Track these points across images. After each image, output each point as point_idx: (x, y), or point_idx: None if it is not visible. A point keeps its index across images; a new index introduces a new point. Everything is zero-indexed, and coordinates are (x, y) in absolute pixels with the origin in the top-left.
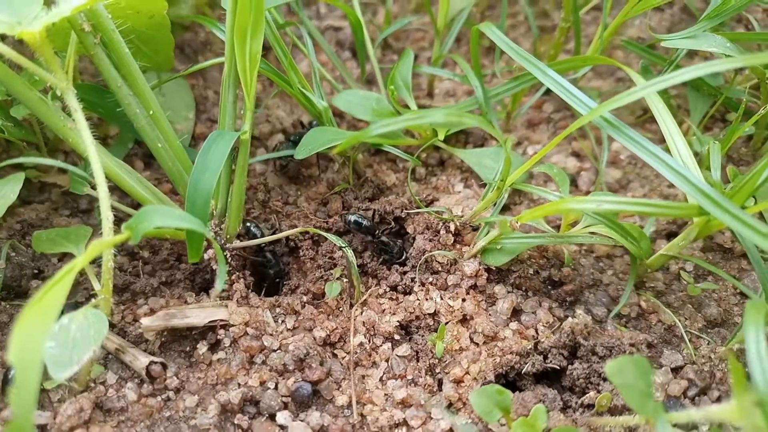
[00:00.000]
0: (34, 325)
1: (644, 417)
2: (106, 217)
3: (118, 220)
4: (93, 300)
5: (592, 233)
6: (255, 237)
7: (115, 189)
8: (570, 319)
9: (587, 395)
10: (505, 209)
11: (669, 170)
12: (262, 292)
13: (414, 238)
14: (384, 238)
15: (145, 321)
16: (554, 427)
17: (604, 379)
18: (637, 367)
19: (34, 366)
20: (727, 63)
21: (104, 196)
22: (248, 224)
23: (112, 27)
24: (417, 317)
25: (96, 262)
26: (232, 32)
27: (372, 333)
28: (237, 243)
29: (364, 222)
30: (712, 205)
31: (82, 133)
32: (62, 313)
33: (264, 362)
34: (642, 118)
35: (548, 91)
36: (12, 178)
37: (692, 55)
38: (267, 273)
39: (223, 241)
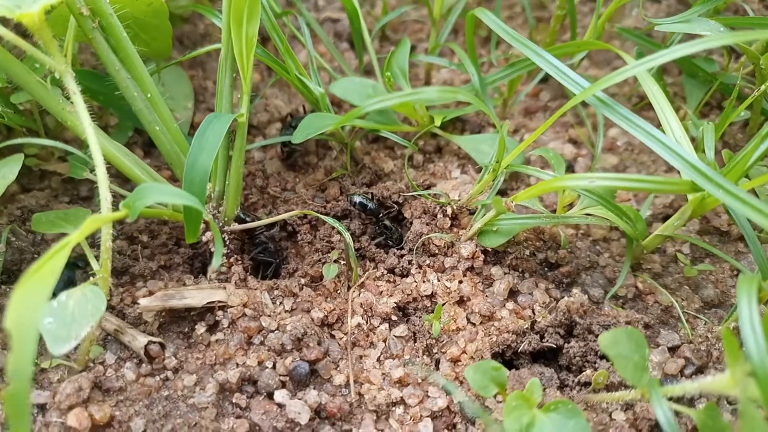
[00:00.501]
0: (31, 295)
1: (639, 391)
2: (105, 197)
3: (117, 204)
4: (91, 279)
5: (588, 214)
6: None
7: (115, 177)
8: (566, 298)
9: (584, 373)
10: (502, 194)
11: (662, 147)
12: (259, 276)
13: (411, 222)
14: (386, 222)
15: (143, 301)
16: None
17: (601, 357)
18: (631, 340)
19: (30, 334)
20: (716, 40)
21: (102, 177)
22: (240, 213)
23: (110, 11)
24: (414, 299)
25: (95, 245)
26: (228, 16)
27: (369, 314)
28: (235, 226)
29: (369, 204)
30: (705, 180)
31: (80, 116)
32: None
33: (262, 342)
34: (638, 105)
35: (545, 80)
36: (11, 159)
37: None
38: (264, 258)
39: (221, 224)
